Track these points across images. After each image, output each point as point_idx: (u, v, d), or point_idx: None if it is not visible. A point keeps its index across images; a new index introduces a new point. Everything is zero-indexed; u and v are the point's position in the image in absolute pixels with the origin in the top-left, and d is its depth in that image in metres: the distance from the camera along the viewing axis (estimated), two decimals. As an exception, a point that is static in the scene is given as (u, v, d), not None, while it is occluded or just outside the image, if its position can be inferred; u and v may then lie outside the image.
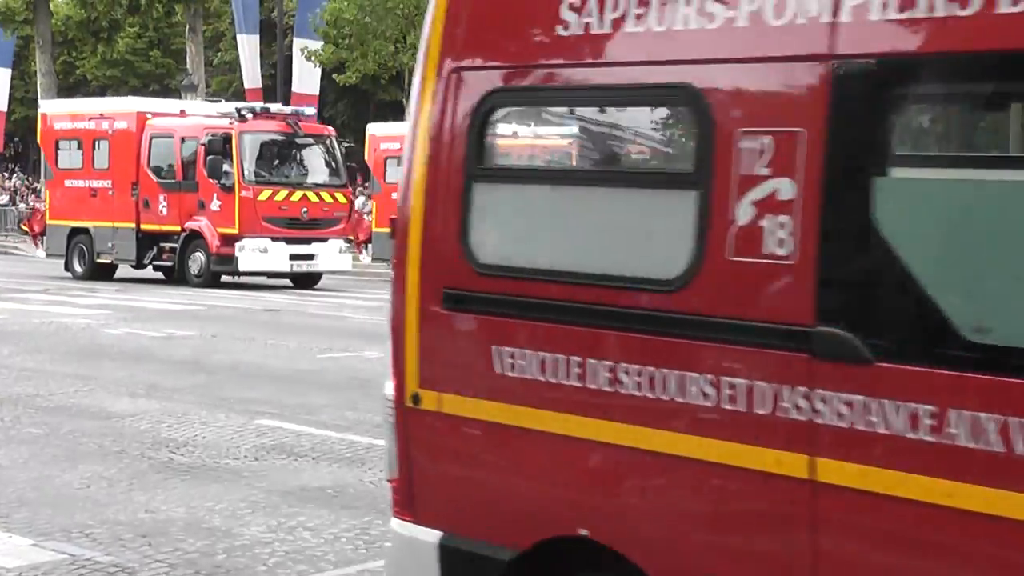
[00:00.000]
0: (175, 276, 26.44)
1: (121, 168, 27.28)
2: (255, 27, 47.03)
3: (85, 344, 17.39)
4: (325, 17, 38.58)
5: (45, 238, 28.79)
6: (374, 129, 33.87)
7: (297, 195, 26.46)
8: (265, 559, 7.04)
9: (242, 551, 7.18)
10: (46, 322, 19.49)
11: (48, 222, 29.15)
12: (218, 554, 7.09)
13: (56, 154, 29.26)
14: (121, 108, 28.24)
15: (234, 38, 48.77)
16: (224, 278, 28.05)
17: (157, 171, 27.08)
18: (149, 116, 27.42)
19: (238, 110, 26.22)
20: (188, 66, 46.63)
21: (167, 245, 26.96)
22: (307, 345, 17.75)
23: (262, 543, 7.36)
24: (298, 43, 42.38)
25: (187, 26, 48.84)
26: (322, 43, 38.80)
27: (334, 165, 27.82)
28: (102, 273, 27.96)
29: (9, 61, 50.79)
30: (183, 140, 26.51)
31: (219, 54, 57.72)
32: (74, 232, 28.16)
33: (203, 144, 25.71)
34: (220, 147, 25.34)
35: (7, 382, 13.75)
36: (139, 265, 28.10)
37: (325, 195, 27.16)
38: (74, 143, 28.61)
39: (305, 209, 26.59)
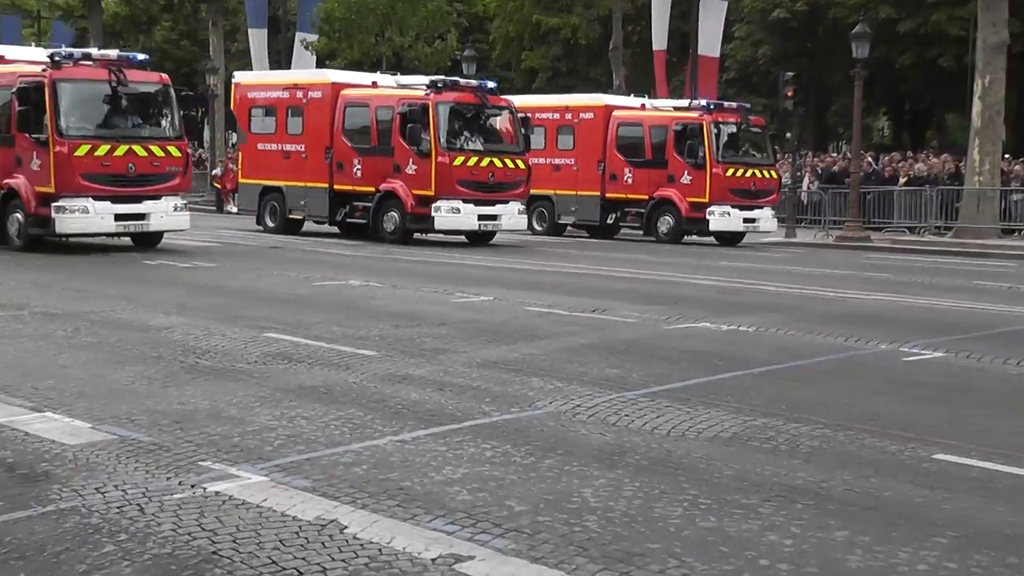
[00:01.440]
0: (368, 232, 24.79)
1: (315, 134, 25.41)
2: (264, 22, 51.79)
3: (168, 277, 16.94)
4: (320, 14, 41.45)
5: (237, 195, 28.01)
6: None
7: (485, 161, 23.73)
8: (271, 440, 7.38)
9: (253, 435, 7.53)
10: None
11: (241, 181, 27.79)
12: (234, 437, 7.48)
13: (249, 120, 27.31)
14: (316, 79, 26.68)
15: (247, 31, 48.68)
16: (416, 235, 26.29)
17: (351, 136, 25.10)
18: (343, 87, 25.59)
19: (433, 82, 24.01)
20: (211, 54, 47.64)
21: (360, 204, 25.00)
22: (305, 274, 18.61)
23: (268, 428, 7.67)
24: (299, 36, 44.02)
25: (210, 21, 49.49)
26: (317, 36, 39.15)
27: (513, 132, 24.91)
28: (292, 227, 26.65)
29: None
30: (378, 109, 24.53)
31: (235, 44, 57.79)
32: (266, 191, 26.50)
33: (400, 113, 23.61)
34: (418, 116, 23.20)
35: (66, 298, 14.61)
36: (331, 222, 26.25)
37: (508, 161, 24.31)
38: (267, 110, 26.69)
39: (492, 174, 23.72)
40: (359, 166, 24.66)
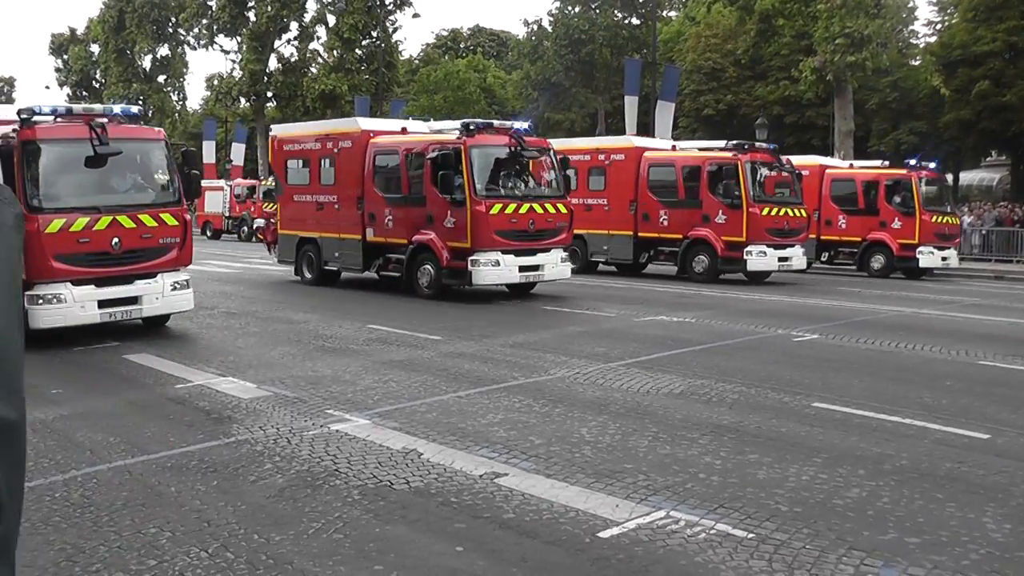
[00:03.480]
0: (402, 286, 15.77)
1: (346, 184, 16.99)
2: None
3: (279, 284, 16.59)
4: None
5: (277, 247, 19.25)
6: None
7: (524, 207, 15.07)
8: (372, 396, 7.21)
9: (359, 392, 7.45)
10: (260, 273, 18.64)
11: (279, 232, 19.24)
12: (348, 393, 7.36)
13: (285, 172, 18.88)
14: (346, 128, 17.68)
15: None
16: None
17: (382, 186, 16.19)
18: (372, 134, 16.82)
19: (465, 125, 15.42)
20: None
21: (394, 257, 16.22)
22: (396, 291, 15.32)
23: (371, 388, 7.65)
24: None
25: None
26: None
27: (552, 174, 16.01)
28: (328, 279, 17.61)
29: (243, 139, 49.42)
30: (407, 156, 15.71)
31: None
32: (302, 242, 18.27)
33: (431, 159, 14.97)
34: (450, 162, 14.63)
35: (241, 303, 14.37)
36: (365, 272, 17.02)
37: (549, 206, 15.38)
38: (301, 161, 18.49)
39: (532, 221, 15.12)
40: (390, 216, 15.77)
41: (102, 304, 10.09)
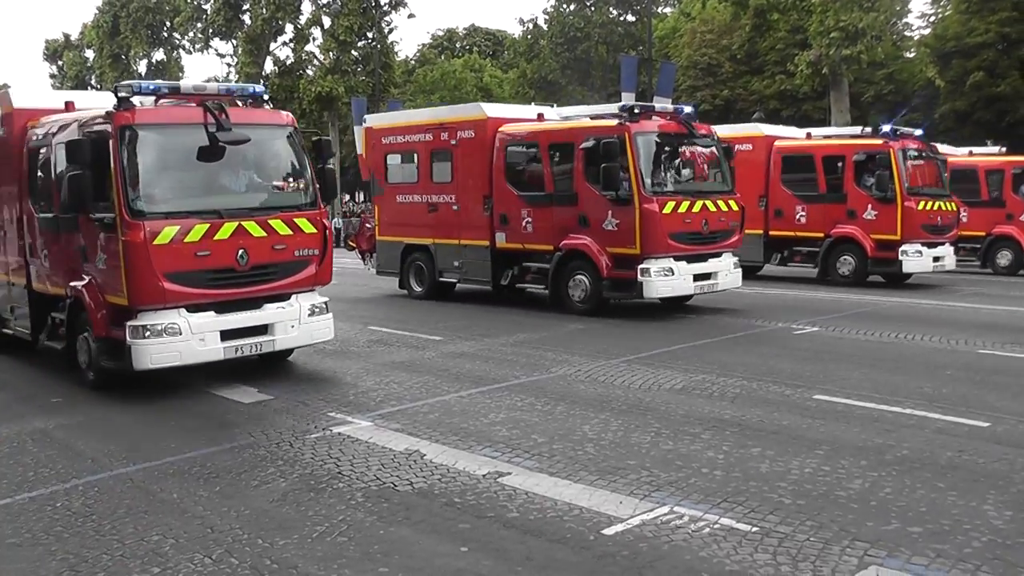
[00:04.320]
0: (549, 300, 12.97)
1: (469, 181, 13.71)
2: (361, 121, 43.26)
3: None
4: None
5: (375, 256, 15.63)
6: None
7: (698, 205, 12.27)
8: (375, 397, 7.21)
9: (362, 394, 7.59)
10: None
11: (378, 239, 15.41)
12: (350, 396, 7.27)
13: (385, 168, 15.17)
14: (466, 115, 14.19)
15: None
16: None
17: (516, 182, 13.24)
18: (500, 122, 13.67)
19: (626, 108, 12.32)
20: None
21: (533, 266, 13.13)
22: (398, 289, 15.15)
23: (373, 389, 7.64)
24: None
25: (329, 123, 47.06)
26: None
27: (724, 168, 13.07)
28: (442, 291, 14.49)
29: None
30: (550, 148, 12.82)
31: (346, 137, 55.95)
32: (409, 250, 14.75)
33: (585, 150, 12.13)
34: (613, 152, 11.68)
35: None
36: (495, 287, 13.79)
37: (721, 203, 12.55)
38: (405, 156, 14.82)
39: (706, 221, 12.31)
40: (529, 219, 12.86)
41: (225, 335, 7.72)
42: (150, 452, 6.04)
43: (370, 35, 46.00)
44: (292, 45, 48.84)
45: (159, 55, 57.12)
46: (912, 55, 39.93)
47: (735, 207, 12.68)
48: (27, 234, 8.95)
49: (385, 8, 45.58)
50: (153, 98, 7.92)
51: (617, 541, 4.38)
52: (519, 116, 13.89)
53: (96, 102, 8.66)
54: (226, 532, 4.59)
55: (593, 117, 12.87)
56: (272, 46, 48.29)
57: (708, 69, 44.14)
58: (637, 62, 34.52)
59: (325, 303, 8.48)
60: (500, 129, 13.41)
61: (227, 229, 7.65)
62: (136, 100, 7.73)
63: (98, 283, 7.80)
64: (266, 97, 8.66)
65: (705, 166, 12.66)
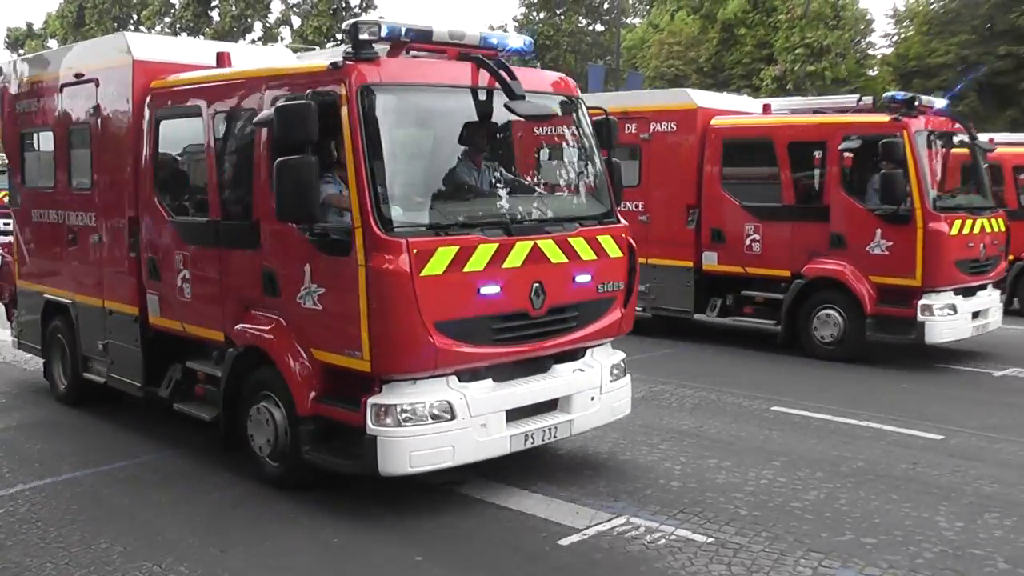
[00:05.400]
0: (779, 340, 9.59)
1: (667, 186, 10.35)
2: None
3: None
4: None
5: None
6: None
7: (976, 226, 9.14)
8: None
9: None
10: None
11: None
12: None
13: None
14: (668, 103, 10.67)
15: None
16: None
17: (736, 189, 9.98)
18: (711, 114, 10.31)
19: (907, 101, 9.02)
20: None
21: (757, 295, 9.82)
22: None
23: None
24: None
25: None
26: None
27: (984, 178, 9.86)
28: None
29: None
30: (790, 146, 9.57)
31: None
32: None
33: (846, 151, 9.25)
34: (894, 155, 8.51)
35: None
36: (695, 316, 10.46)
37: (993, 223, 9.43)
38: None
39: (983, 245, 9.22)
40: (755, 235, 9.77)
41: (510, 416, 4.92)
42: (101, 456, 5.86)
43: (339, 37, 45.81)
44: (260, 44, 48.51)
45: (124, 49, 56.34)
46: (875, 73, 40.83)
47: (1001, 227, 9.77)
48: (146, 243, 6.14)
49: (356, 11, 45.42)
50: (392, 46, 4.87)
51: (573, 551, 4.36)
52: (733, 108, 10.81)
53: (252, 56, 6.52)
54: (176, 540, 4.49)
55: (840, 111, 9.89)
56: (240, 44, 47.92)
57: (675, 80, 44.52)
58: (605, 72, 34.75)
59: (623, 361, 5.70)
60: (712, 122, 10.30)
61: (520, 251, 4.88)
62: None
63: (299, 330, 4.95)
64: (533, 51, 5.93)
65: (977, 175, 9.99)
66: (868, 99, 10.13)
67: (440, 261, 4.54)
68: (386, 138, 4.57)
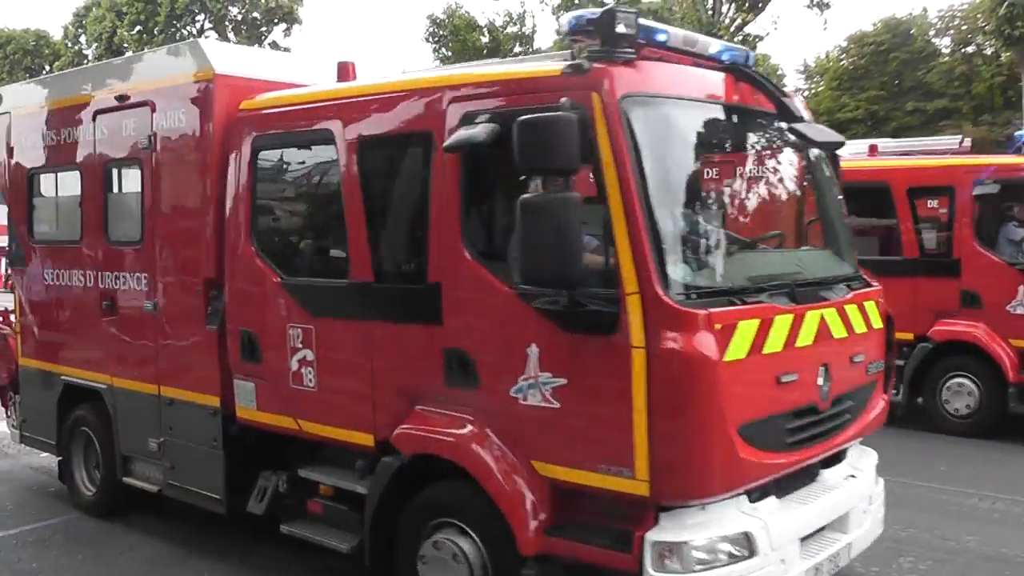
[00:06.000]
0: (901, 411, 7.73)
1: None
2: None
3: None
4: None
5: None
6: None
7: None
8: None
9: None
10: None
11: None
12: None
13: None
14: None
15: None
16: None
17: None
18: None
19: None
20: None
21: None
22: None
23: None
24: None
25: None
26: None
27: None
28: None
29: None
30: (912, 192, 8.08)
31: None
32: None
33: (980, 195, 7.71)
34: None
35: None
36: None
37: None
38: None
39: None
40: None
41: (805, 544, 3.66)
42: (6, 520, 5.66)
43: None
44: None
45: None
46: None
47: None
48: (237, 314, 4.53)
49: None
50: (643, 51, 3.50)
51: None
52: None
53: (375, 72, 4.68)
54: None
55: (947, 153, 8.85)
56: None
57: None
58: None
59: (874, 465, 4.36)
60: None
61: (810, 325, 3.65)
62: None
63: (512, 435, 3.52)
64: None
65: None
66: (968, 141, 9.09)
67: (743, 340, 3.27)
68: (662, 168, 3.31)
